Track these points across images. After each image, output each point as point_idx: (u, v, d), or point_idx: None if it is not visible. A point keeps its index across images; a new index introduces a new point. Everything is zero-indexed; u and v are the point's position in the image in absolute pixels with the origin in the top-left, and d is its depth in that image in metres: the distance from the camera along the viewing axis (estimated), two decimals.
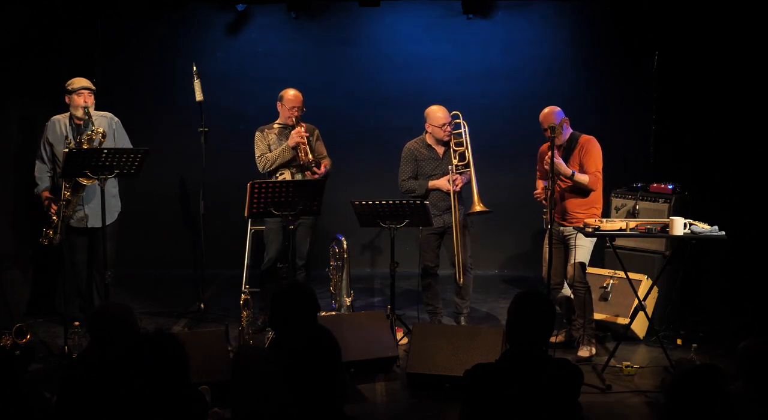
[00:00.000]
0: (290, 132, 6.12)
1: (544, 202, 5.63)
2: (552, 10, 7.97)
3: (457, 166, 6.07)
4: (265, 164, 6.14)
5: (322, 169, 6.11)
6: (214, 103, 6.98)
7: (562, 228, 5.79)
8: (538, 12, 8.00)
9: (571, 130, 5.78)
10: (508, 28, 8.06)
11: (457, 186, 6.03)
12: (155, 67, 7.99)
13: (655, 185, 6.60)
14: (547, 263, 5.74)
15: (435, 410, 4.81)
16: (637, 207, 6.51)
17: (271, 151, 6.17)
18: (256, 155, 6.19)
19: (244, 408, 3.46)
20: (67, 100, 5.97)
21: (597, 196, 5.80)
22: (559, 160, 5.55)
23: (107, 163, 5.44)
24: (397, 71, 8.07)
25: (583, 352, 5.69)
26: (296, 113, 6.11)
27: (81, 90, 5.92)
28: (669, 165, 7.35)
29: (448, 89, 7.70)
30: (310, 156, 6.05)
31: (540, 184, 5.91)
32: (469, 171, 6.08)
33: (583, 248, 5.71)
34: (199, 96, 6.57)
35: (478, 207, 6.01)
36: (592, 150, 5.72)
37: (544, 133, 5.66)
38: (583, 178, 5.64)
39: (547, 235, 5.78)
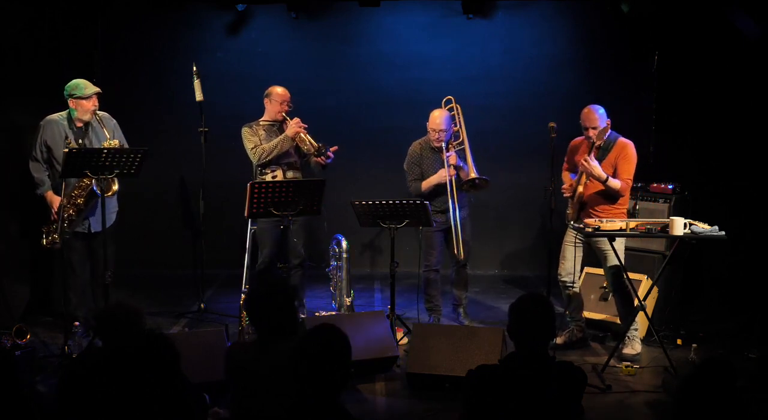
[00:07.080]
0: (278, 129, 6.13)
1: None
2: (552, 9, 7.97)
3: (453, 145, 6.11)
4: (261, 154, 6.03)
5: (332, 152, 6.04)
6: (214, 103, 6.98)
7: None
8: (538, 12, 8.01)
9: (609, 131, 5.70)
10: (508, 28, 8.06)
11: (451, 161, 6.02)
12: (155, 67, 8.00)
13: (655, 185, 6.60)
14: (564, 260, 5.75)
15: (435, 410, 4.80)
16: (637, 207, 6.51)
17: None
18: (249, 148, 6.08)
19: (243, 407, 3.46)
20: (72, 104, 5.79)
21: (624, 201, 5.75)
22: (595, 163, 5.51)
23: (107, 163, 5.42)
24: (397, 71, 8.07)
25: (628, 350, 5.69)
26: (286, 108, 6.12)
27: (93, 95, 5.81)
28: (669, 165, 7.35)
29: (448, 89, 7.61)
30: (314, 143, 6.02)
31: (566, 177, 5.89)
32: (464, 147, 6.08)
33: (611, 252, 5.56)
34: (199, 96, 6.57)
35: (472, 174, 6.02)
36: (630, 156, 5.65)
37: (584, 131, 5.64)
38: (615, 184, 5.58)
39: (567, 232, 5.78)
